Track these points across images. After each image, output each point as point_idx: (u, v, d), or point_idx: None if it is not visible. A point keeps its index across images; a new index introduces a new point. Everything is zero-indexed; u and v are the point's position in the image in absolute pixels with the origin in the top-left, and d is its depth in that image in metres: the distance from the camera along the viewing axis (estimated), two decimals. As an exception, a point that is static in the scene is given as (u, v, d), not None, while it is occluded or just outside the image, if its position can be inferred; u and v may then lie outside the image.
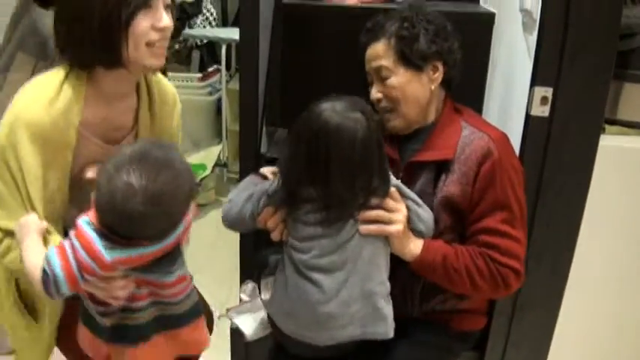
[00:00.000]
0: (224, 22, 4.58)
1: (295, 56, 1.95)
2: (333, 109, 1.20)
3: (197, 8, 4.33)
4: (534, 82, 1.33)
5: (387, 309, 1.27)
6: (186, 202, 1.08)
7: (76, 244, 1.02)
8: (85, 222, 1.04)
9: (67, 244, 1.04)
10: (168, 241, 1.08)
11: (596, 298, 1.63)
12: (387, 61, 1.37)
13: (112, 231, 1.03)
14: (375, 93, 1.40)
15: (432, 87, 1.38)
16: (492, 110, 1.83)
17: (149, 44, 1.17)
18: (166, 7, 1.19)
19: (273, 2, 1.89)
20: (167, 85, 1.41)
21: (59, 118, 1.14)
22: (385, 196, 1.26)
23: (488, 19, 1.85)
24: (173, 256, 1.12)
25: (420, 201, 1.31)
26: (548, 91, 1.31)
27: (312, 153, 1.19)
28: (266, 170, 1.42)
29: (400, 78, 1.36)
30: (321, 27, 1.91)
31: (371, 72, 1.42)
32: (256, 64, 1.68)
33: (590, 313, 1.64)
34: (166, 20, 1.18)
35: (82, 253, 1.01)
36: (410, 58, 1.35)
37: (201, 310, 1.24)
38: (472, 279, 1.30)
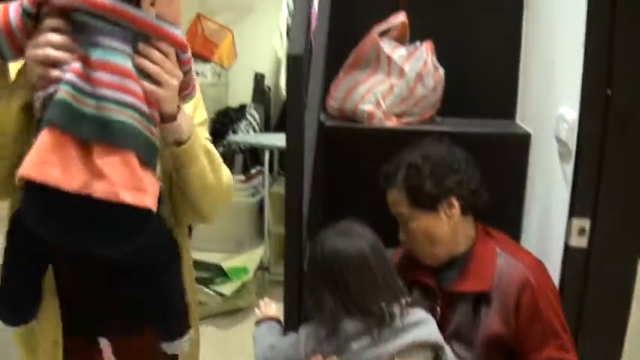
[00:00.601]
0: (266, 127, 4.76)
1: (336, 173, 2.02)
2: (332, 236, 1.32)
3: (241, 114, 4.53)
4: (572, 213, 1.35)
5: None
6: None
7: None
8: None
9: None
10: None
11: None
12: (403, 208, 1.46)
13: None
14: (401, 236, 1.48)
15: (452, 222, 1.43)
16: (530, 237, 1.85)
17: None
18: None
19: (317, 124, 1.98)
20: None
21: None
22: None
23: (524, 139, 1.90)
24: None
25: None
26: (586, 223, 1.33)
27: (331, 282, 1.26)
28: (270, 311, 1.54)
29: (419, 222, 1.43)
30: (361, 148, 1.98)
31: (395, 216, 1.49)
32: (301, 176, 1.74)
33: None
34: None
35: None
36: (422, 203, 1.42)
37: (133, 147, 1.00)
38: None
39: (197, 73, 4.26)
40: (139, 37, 1.02)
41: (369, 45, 1.98)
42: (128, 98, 0.98)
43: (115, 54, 0.98)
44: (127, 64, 0.99)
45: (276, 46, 4.41)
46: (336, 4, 2.05)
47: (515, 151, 1.90)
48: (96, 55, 0.96)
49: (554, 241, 1.49)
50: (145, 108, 1.01)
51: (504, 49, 2.14)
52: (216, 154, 1.27)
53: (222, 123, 4.47)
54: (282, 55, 4.34)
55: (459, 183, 1.43)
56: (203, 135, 1.28)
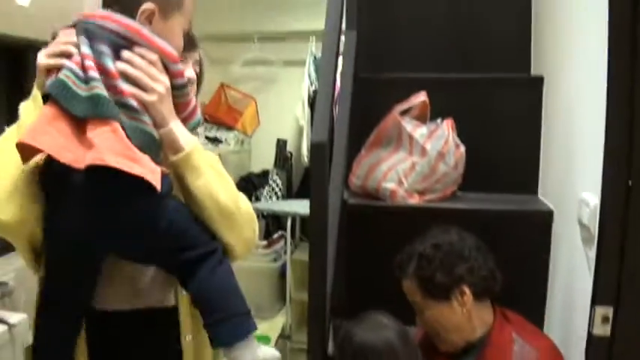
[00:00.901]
0: (288, 192, 4.81)
1: (359, 249, 2.03)
2: (360, 330, 1.34)
3: (264, 180, 4.60)
4: (595, 301, 1.35)
5: None
6: None
7: None
8: None
9: None
10: None
11: None
12: (416, 297, 1.50)
13: None
14: (418, 322, 1.52)
15: (465, 310, 1.45)
16: (553, 323, 1.84)
17: None
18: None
19: (340, 202, 2.01)
20: None
21: None
22: None
23: (547, 217, 1.90)
24: None
25: None
26: (609, 311, 1.33)
27: None
28: None
29: (432, 311, 1.47)
30: (384, 225, 2.00)
31: (410, 303, 1.53)
32: (325, 254, 1.76)
33: None
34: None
35: None
36: (434, 293, 1.45)
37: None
38: None
39: (220, 141, 4.36)
40: (128, 43, 1.13)
41: (391, 124, 2.03)
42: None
43: (105, 57, 1.10)
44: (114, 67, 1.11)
45: (299, 115, 4.50)
46: (359, 85, 2.12)
47: (537, 228, 1.91)
48: (91, 55, 1.10)
49: (578, 329, 1.48)
50: (129, 101, 1.10)
51: (525, 124, 2.17)
52: (227, 177, 1.25)
53: (245, 189, 4.53)
54: (304, 123, 4.43)
55: (469, 270, 1.46)
56: None
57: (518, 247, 1.89)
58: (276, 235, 4.33)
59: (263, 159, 4.77)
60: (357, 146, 2.12)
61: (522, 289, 1.78)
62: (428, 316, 1.48)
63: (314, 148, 1.45)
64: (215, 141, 4.44)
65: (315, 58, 4.45)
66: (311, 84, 4.41)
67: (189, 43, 1.32)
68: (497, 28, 2.36)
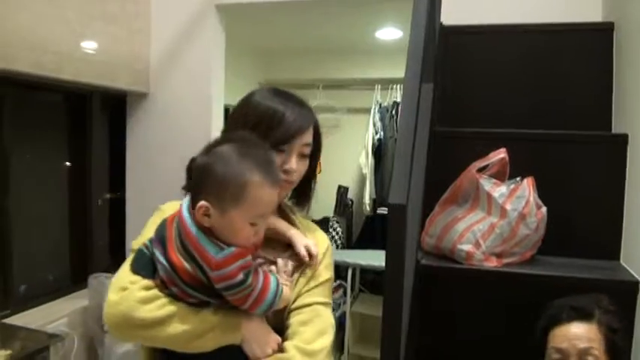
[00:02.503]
0: (348, 240, 4.73)
1: (432, 311, 1.94)
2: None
3: (324, 227, 4.53)
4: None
5: None
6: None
7: None
8: None
9: None
10: None
11: None
12: (592, 344, 1.40)
13: None
14: None
15: None
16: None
17: None
18: (300, 156, 1.33)
19: (413, 262, 1.93)
20: (323, 235, 1.45)
21: None
22: None
23: (632, 288, 1.76)
24: None
25: None
26: None
27: None
28: None
29: None
30: (459, 288, 1.90)
31: (569, 350, 1.42)
32: (400, 319, 1.68)
33: None
34: (293, 165, 1.30)
35: None
36: (614, 351, 1.41)
37: None
38: None
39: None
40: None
41: (468, 181, 1.94)
42: None
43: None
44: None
45: (362, 163, 4.45)
46: (433, 139, 2.05)
47: (621, 299, 1.76)
48: None
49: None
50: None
51: (608, 184, 2.04)
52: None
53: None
54: (367, 171, 4.37)
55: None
56: (316, 297, 1.30)
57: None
58: (335, 284, 4.25)
59: (324, 205, 4.73)
60: (430, 203, 2.03)
61: None
62: None
63: (393, 209, 1.37)
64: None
65: (380, 106, 4.42)
66: (375, 132, 4.37)
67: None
68: (577, 83, 2.26)
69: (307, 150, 1.35)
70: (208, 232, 1.14)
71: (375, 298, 4.08)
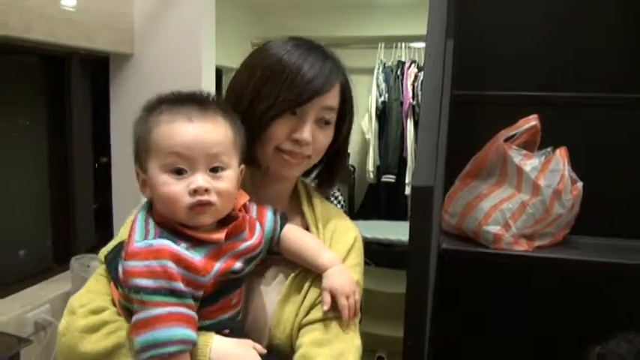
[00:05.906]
0: (350, 207, 4.52)
1: (455, 299, 1.76)
2: None
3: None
4: None
5: None
6: None
7: None
8: None
9: None
10: None
11: None
12: None
13: None
14: None
15: None
16: None
17: (279, 149, 1.06)
18: (319, 121, 1.09)
19: (436, 246, 1.70)
20: (348, 225, 1.25)
21: None
22: None
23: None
24: None
25: None
26: None
27: None
28: None
29: None
30: (484, 274, 1.71)
31: None
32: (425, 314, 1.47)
33: None
34: (305, 134, 1.05)
35: None
36: None
37: None
38: None
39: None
40: None
41: (494, 152, 1.69)
42: None
43: None
44: None
45: (364, 127, 4.20)
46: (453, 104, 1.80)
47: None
48: None
49: None
50: None
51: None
52: None
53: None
54: (371, 137, 4.13)
55: None
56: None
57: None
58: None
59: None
60: (449, 177, 1.79)
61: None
62: None
63: (417, 192, 1.14)
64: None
65: (384, 66, 4.13)
66: (379, 95, 4.10)
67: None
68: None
69: (330, 115, 1.11)
70: (172, 226, 0.92)
71: (378, 271, 3.86)
